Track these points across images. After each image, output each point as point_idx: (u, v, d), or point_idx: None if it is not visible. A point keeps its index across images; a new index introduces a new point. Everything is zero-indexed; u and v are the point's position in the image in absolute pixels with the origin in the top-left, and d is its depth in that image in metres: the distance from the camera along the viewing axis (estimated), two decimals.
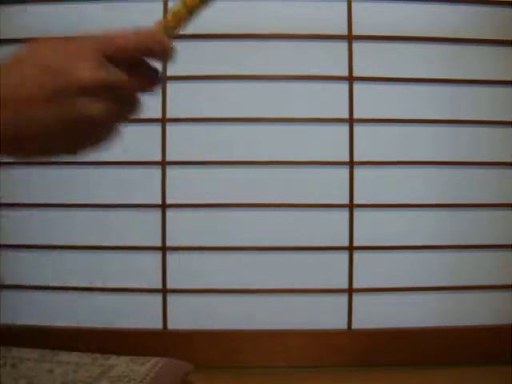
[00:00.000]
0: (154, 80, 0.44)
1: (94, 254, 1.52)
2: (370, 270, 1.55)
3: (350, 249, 1.53)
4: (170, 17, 0.48)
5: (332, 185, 1.52)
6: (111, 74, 0.41)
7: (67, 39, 0.42)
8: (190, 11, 0.48)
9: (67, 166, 1.49)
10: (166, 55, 0.44)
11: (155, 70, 0.44)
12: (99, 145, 0.43)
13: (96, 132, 0.42)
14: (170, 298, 1.53)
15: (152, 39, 0.44)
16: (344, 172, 1.53)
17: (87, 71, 0.40)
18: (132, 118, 0.44)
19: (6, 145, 0.40)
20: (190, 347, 1.50)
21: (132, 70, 0.43)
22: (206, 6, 0.49)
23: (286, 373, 1.49)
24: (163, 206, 1.51)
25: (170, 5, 1.50)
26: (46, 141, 0.41)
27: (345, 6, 1.51)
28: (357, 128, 1.53)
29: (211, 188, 1.52)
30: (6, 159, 0.45)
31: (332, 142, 1.53)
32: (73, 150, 0.43)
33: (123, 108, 0.43)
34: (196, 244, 1.52)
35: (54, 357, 0.91)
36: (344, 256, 1.54)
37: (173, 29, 0.47)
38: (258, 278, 1.53)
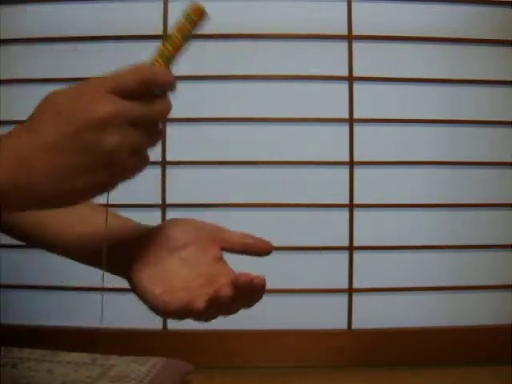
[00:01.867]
0: (165, 110, 0.45)
1: None
2: (370, 269, 1.55)
3: (350, 249, 1.53)
4: (167, 45, 0.48)
5: (332, 185, 1.52)
6: (122, 105, 0.42)
7: (76, 85, 0.44)
8: (186, 37, 0.49)
9: None
10: (168, 86, 0.45)
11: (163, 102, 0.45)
12: (128, 178, 0.44)
13: (121, 166, 0.43)
14: None
15: (153, 72, 0.45)
16: (344, 172, 1.53)
17: (97, 107, 0.41)
18: (155, 145, 0.45)
19: (23, 204, 0.43)
20: (190, 347, 1.50)
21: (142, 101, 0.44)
22: (198, 29, 0.49)
23: (286, 373, 1.49)
24: (163, 206, 1.51)
25: (170, 5, 1.50)
26: (71, 184, 0.42)
27: (345, 5, 1.51)
28: (357, 128, 1.53)
29: (211, 188, 1.52)
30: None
31: (332, 142, 1.53)
32: (102, 189, 0.44)
33: (144, 137, 0.43)
34: None
35: (54, 357, 0.90)
36: (344, 256, 1.54)
37: (171, 57, 0.48)
38: None
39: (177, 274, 0.51)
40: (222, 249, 0.54)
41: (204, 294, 0.46)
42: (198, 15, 0.49)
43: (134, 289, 0.51)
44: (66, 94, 0.43)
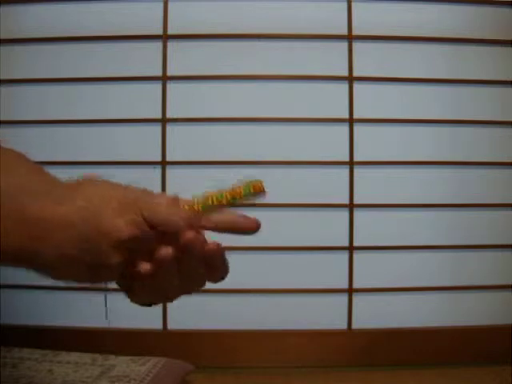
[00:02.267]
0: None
1: None
2: (370, 270, 1.55)
3: (350, 249, 1.53)
4: (214, 198, 0.49)
5: (332, 185, 1.52)
6: (144, 234, 0.45)
7: (115, 188, 0.46)
8: (233, 203, 0.49)
9: (71, 166, 1.49)
10: (188, 245, 0.47)
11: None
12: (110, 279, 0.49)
13: (109, 274, 0.47)
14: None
15: (184, 227, 0.47)
16: (344, 172, 1.53)
17: (126, 227, 0.44)
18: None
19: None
20: (190, 347, 1.50)
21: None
22: (249, 201, 0.50)
23: (286, 373, 1.49)
24: None
25: (170, 5, 1.50)
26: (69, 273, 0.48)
27: (345, 5, 1.51)
28: (357, 128, 1.53)
29: (211, 188, 1.52)
30: None
31: (332, 142, 1.53)
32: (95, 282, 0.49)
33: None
34: None
35: (54, 357, 0.91)
36: (344, 256, 1.54)
37: (210, 211, 0.49)
38: (258, 278, 1.53)
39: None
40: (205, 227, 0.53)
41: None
42: (256, 191, 0.51)
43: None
44: (102, 194, 0.45)
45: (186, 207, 0.49)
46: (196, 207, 0.48)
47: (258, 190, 0.51)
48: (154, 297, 0.50)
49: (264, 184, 0.50)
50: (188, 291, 0.51)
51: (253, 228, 0.54)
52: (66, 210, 0.44)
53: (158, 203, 0.47)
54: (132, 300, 0.51)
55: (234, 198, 0.49)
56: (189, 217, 0.47)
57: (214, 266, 0.50)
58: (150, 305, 0.52)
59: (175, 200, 0.47)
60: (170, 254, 0.47)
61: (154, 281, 0.47)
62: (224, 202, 0.49)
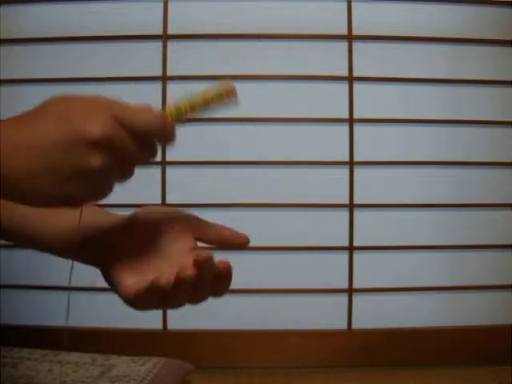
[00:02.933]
0: (151, 154, 0.47)
1: None
2: (370, 269, 1.55)
3: (350, 249, 1.53)
4: (186, 103, 0.48)
5: (332, 185, 1.52)
6: (119, 136, 0.44)
7: (85, 97, 0.46)
8: (206, 108, 0.49)
9: None
10: (166, 142, 0.48)
11: (154, 147, 0.47)
12: (96, 195, 0.46)
13: (94, 183, 0.45)
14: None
15: (160, 125, 0.46)
16: (344, 172, 1.53)
17: (98, 126, 0.43)
18: (125, 180, 0.47)
19: (13, 192, 0.44)
20: (189, 347, 1.50)
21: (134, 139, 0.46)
22: (222, 107, 0.50)
23: (286, 373, 1.49)
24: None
25: (170, 5, 1.50)
26: (50, 187, 0.44)
27: (345, 5, 1.51)
28: (357, 128, 1.53)
29: (211, 188, 1.52)
30: None
31: (332, 142, 1.53)
32: (72, 200, 0.46)
33: (121, 168, 0.46)
34: None
35: (54, 357, 0.91)
36: (344, 256, 1.54)
37: (184, 116, 0.48)
38: (258, 278, 1.53)
39: (149, 264, 0.51)
40: (198, 239, 0.54)
41: (169, 274, 0.47)
42: (228, 96, 0.49)
43: (107, 279, 0.53)
44: (73, 102, 0.45)
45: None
46: (169, 115, 0.48)
47: (231, 95, 0.49)
48: (165, 304, 0.50)
49: (236, 88, 0.49)
50: (193, 303, 0.51)
51: (243, 242, 0.55)
52: (36, 123, 0.44)
53: (131, 106, 0.46)
54: (136, 306, 0.51)
55: (206, 103, 0.48)
56: (163, 119, 0.47)
57: (222, 284, 0.50)
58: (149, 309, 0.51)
59: (148, 107, 0.46)
60: (209, 255, 0.47)
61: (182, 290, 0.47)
62: (196, 107, 0.49)
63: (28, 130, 0.44)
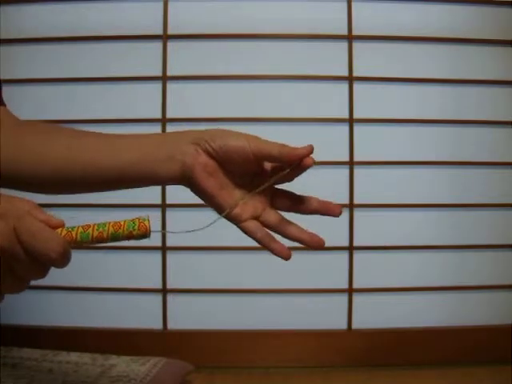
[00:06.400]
0: (40, 274, 0.49)
1: (95, 253, 1.52)
2: (370, 270, 1.55)
3: (350, 249, 1.53)
4: (95, 228, 0.48)
5: (332, 185, 1.52)
6: (13, 249, 0.45)
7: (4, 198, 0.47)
8: (113, 239, 0.49)
9: None
10: (58, 266, 0.48)
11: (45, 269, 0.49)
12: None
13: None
14: (170, 298, 1.53)
15: (57, 250, 0.47)
16: (344, 172, 1.53)
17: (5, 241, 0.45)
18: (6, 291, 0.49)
19: None
20: (190, 347, 1.50)
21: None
22: (133, 238, 0.49)
23: (286, 373, 1.49)
24: (163, 206, 1.51)
25: (170, 5, 1.50)
26: None
27: (345, 5, 1.51)
28: (357, 128, 1.53)
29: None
30: None
31: (332, 142, 1.53)
32: None
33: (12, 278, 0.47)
34: (196, 244, 1.52)
35: (54, 357, 0.91)
36: (344, 256, 1.54)
37: (90, 240, 0.48)
38: (258, 277, 1.53)
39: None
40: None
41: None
42: (141, 230, 0.48)
43: (198, 192, 0.63)
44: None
45: (64, 231, 0.48)
46: (74, 234, 0.47)
47: (143, 230, 0.48)
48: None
49: (150, 224, 0.48)
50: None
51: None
52: None
53: (35, 224, 0.46)
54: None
55: (115, 232, 0.48)
56: (60, 247, 0.46)
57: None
58: None
59: (52, 231, 0.46)
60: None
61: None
62: (104, 234, 0.48)
63: None
